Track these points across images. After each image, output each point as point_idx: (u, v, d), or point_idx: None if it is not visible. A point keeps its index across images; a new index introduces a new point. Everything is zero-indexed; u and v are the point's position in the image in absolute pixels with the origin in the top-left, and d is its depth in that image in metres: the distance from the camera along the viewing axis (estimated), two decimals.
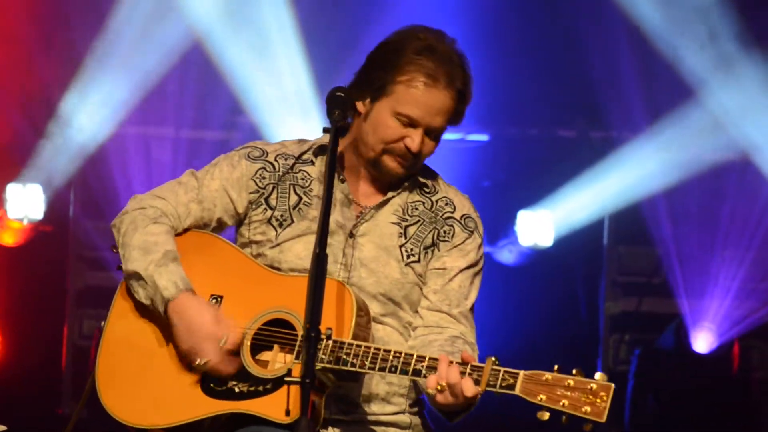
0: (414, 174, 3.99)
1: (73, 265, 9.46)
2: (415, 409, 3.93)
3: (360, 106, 3.91)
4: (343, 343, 3.64)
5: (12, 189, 9.26)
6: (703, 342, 9.29)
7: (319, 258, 3.44)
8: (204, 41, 9.38)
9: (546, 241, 9.41)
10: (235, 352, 3.79)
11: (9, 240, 9.37)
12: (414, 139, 3.88)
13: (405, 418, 3.90)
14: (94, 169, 9.34)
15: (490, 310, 8.26)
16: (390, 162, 3.89)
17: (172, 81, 9.37)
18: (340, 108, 3.74)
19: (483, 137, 9.63)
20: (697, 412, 9.10)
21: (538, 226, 9.47)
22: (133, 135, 9.53)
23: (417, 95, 3.85)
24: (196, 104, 9.56)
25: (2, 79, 9.18)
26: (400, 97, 3.87)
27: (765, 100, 9.32)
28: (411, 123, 3.88)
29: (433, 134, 3.93)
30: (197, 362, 3.79)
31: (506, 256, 9.48)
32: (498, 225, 9.47)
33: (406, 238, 3.99)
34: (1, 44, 9.09)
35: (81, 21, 9.33)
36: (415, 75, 3.84)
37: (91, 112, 9.30)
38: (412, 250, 3.98)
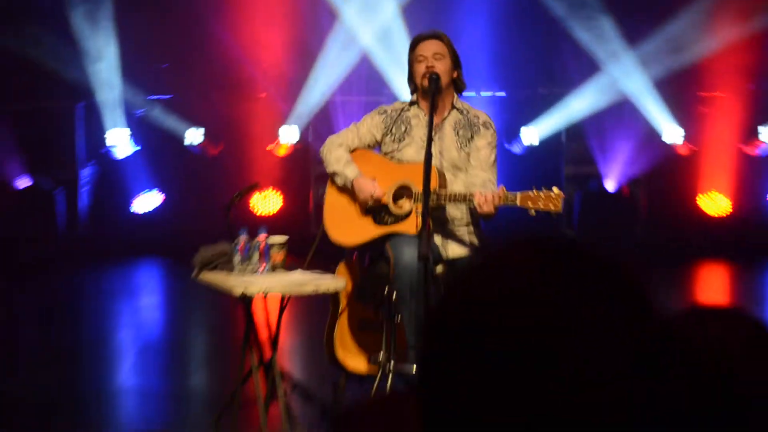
0: (454, 105, 5.65)
1: (312, 163, 12.35)
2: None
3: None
4: (434, 193, 5.21)
5: (283, 129, 12.42)
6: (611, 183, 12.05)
7: (427, 153, 5.12)
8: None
9: None
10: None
11: (282, 153, 12.57)
12: (426, 61, 5.57)
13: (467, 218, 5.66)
14: (320, 117, 12.14)
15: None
16: (426, 82, 5.53)
17: (365, 60, 11.27)
18: (434, 85, 5.52)
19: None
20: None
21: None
22: (338, 101, 12.07)
23: (417, 43, 5.64)
24: (374, 76, 11.82)
25: (275, 37, 11.91)
26: (413, 51, 5.61)
27: None
28: (420, 57, 5.60)
29: (437, 58, 5.56)
30: (368, 204, 5.53)
31: (515, 148, 12.23)
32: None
33: (459, 136, 5.62)
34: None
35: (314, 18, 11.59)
36: (414, 40, 5.66)
37: (318, 83, 11.92)
38: (462, 142, 5.60)
